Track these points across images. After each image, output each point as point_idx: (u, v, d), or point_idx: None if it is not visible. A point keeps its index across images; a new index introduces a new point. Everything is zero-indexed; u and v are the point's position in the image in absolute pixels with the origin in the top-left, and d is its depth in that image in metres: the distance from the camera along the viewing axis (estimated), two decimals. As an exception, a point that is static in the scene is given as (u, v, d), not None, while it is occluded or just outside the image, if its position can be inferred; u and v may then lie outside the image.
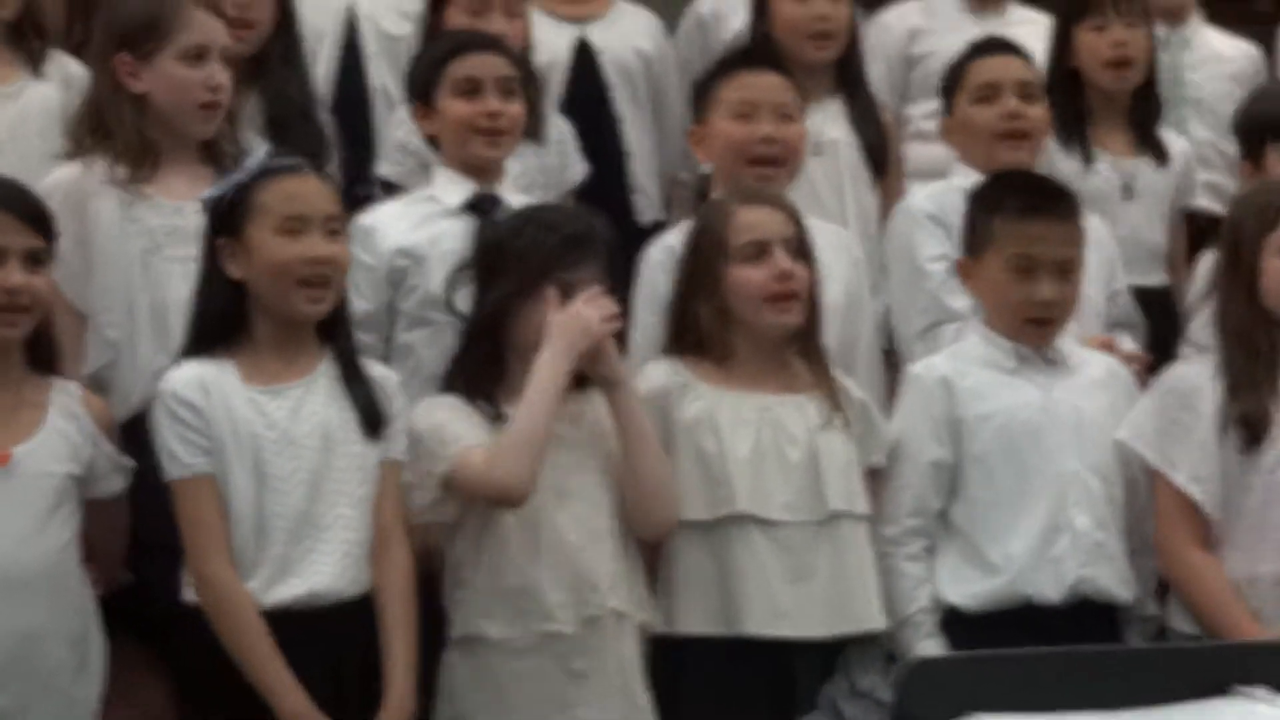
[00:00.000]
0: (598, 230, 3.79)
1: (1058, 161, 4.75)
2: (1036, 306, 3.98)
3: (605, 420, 3.71)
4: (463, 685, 3.63)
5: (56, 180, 3.90)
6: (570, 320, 3.61)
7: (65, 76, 4.32)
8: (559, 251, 3.68)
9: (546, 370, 3.58)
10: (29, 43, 4.32)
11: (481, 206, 4.03)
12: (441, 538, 3.66)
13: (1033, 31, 5.05)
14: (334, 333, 3.64)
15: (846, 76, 4.80)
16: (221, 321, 3.58)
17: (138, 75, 3.91)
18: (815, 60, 4.71)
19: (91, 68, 4.08)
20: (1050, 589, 3.88)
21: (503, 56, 4.15)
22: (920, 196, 4.55)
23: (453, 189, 4.08)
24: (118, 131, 3.91)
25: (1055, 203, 4.09)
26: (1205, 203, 5.03)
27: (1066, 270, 4.00)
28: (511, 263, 3.69)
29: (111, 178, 3.88)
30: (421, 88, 4.16)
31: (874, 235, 4.63)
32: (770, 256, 3.83)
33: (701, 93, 4.41)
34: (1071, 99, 4.84)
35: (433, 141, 4.19)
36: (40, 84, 4.29)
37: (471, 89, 4.08)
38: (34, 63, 4.30)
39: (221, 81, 3.94)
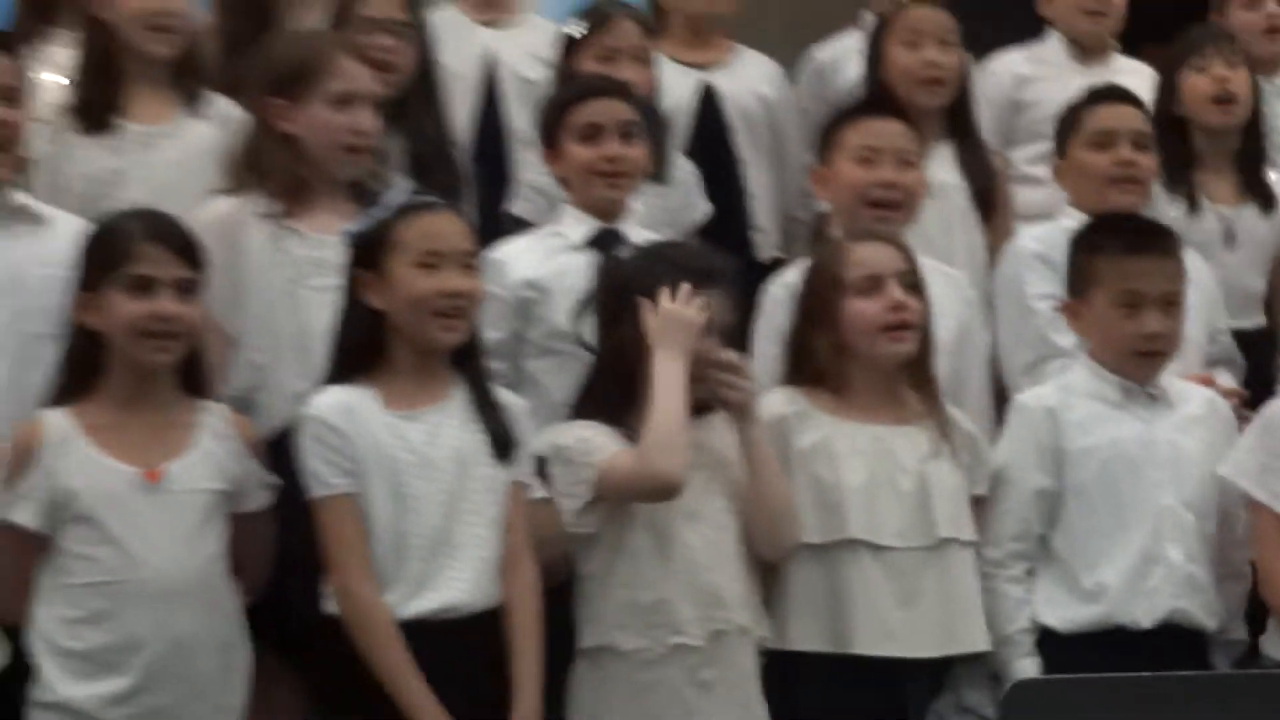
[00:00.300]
0: (721, 265, 3.76)
1: (1162, 207, 4.68)
2: (1145, 340, 3.92)
3: (728, 447, 3.67)
4: (593, 694, 3.61)
5: (212, 213, 3.90)
6: (668, 319, 3.57)
7: (222, 117, 4.33)
8: (663, 266, 3.64)
9: (664, 370, 3.53)
10: (189, 84, 4.34)
11: (604, 242, 4.03)
12: (575, 553, 3.63)
13: (1136, 82, 5.00)
14: (466, 360, 3.63)
15: (957, 122, 4.77)
16: (362, 349, 3.58)
17: (289, 118, 3.92)
18: (926, 105, 4.68)
19: (247, 109, 4.10)
20: (1143, 617, 3.84)
21: (623, 101, 4.13)
22: (1028, 237, 4.50)
23: (578, 225, 4.08)
24: (270, 170, 3.92)
25: (1157, 239, 4.05)
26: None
27: (1171, 304, 3.95)
28: (640, 299, 3.64)
29: (263, 212, 3.89)
30: (548, 132, 4.16)
31: (982, 274, 4.58)
32: (884, 289, 3.80)
33: (826, 136, 4.39)
34: (1177, 146, 4.78)
35: (563, 181, 4.18)
36: (199, 123, 4.30)
37: (593, 134, 4.06)
38: (193, 103, 4.32)
39: (367, 126, 3.94)
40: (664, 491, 3.52)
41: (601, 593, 3.58)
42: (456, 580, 3.48)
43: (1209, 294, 4.46)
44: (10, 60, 3.89)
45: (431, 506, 3.49)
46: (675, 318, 3.57)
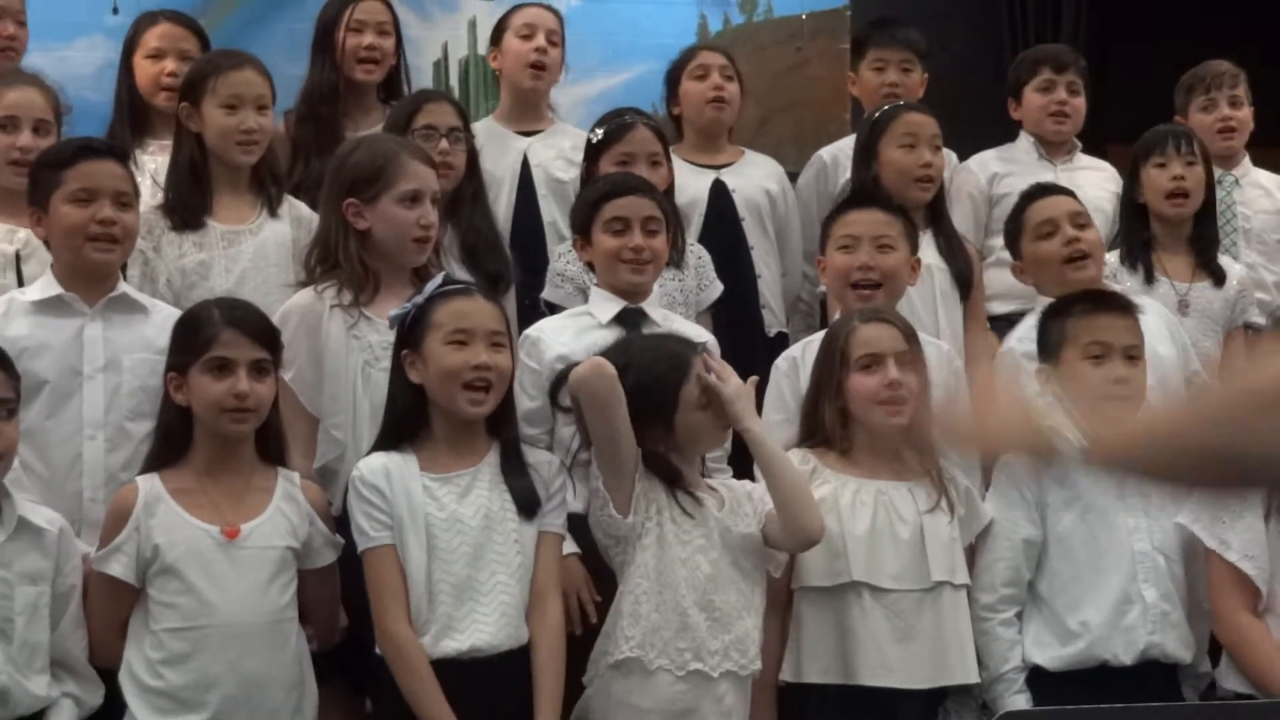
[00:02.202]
0: (689, 342, 3.74)
1: (1124, 280, 4.70)
2: (1114, 385, 3.89)
3: (756, 507, 3.63)
4: (612, 700, 3.53)
5: (294, 304, 3.89)
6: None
7: (295, 216, 4.35)
8: (666, 370, 3.59)
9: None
10: (267, 188, 4.35)
11: (629, 320, 3.98)
12: (616, 569, 3.57)
13: (1095, 177, 5.06)
14: (499, 428, 3.61)
15: (936, 213, 4.77)
16: (406, 420, 3.58)
17: (362, 215, 3.90)
18: (918, 200, 4.68)
19: (322, 209, 4.07)
20: (1124, 653, 3.81)
21: (647, 198, 4.10)
22: (1015, 339, 4.42)
23: (605, 306, 4.02)
24: (344, 263, 3.90)
25: (1115, 300, 4.07)
26: (1252, 318, 4.92)
27: (1133, 356, 3.94)
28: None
29: (339, 302, 3.87)
30: (581, 224, 4.12)
31: (961, 345, 4.58)
32: (883, 367, 3.78)
33: (823, 230, 4.39)
34: (1139, 228, 4.80)
35: (592, 267, 4.15)
36: (276, 222, 4.30)
37: (620, 226, 4.03)
38: (271, 204, 4.32)
39: (432, 220, 3.93)
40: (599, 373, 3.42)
41: (644, 613, 3.50)
42: (482, 624, 3.46)
43: (1180, 342, 4.43)
44: (123, 168, 3.90)
45: (458, 558, 3.47)
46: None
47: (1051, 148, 5.21)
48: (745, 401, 3.60)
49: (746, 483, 3.71)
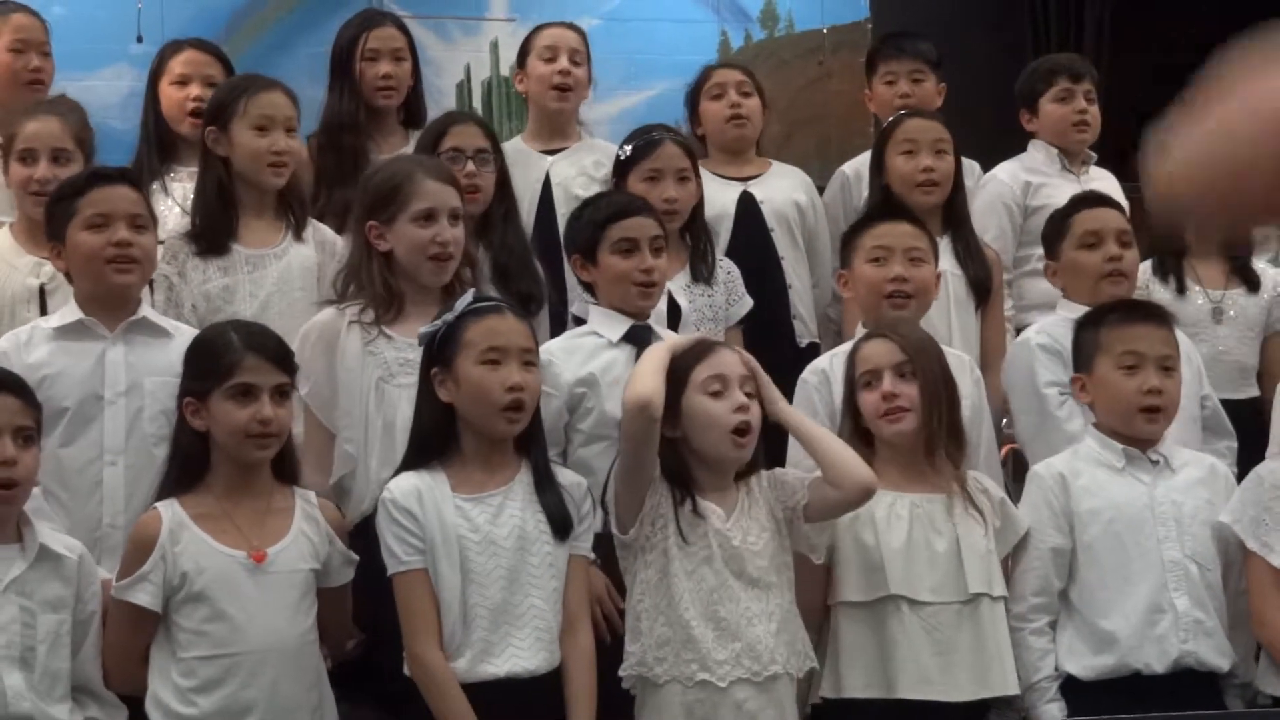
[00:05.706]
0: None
1: (1155, 291, 4.61)
2: (1147, 396, 3.81)
3: (777, 506, 3.53)
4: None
5: (315, 321, 3.82)
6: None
7: (320, 240, 4.26)
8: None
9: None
10: (293, 212, 4.26)
11: (638, 338, 3.87)
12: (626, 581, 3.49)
13: (1106, 187, 4.93)
14: (530, 447, 3.50)
15: (952, 218, 4.67)
16: (435, 439, 3.47)
17: (383, 237, 3.81)
18: (923, 204, 4.57)
19: (351, 233, 3.98)
20: (1156, 662, 3.70)
21: (651, 218, 4.00)
22: (1035, 330, 4.36)
23: (612, 325, 3.90)
24: (367, 284, 3.81)
25: (1151, 311, 4.01)
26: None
27: (1168, 367, 3.86)
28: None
29: (359, 319, 3.77)
30: (585, 245, 3.99)
31: (976, 354, 4.48)
32: (881, 381, 3.70)
33: (846, 243, 4.27)
34: (1171, 240, 4.70)
35: (588, 288, 4.04)
36: (300, 246, 4.22)
37: (629, 247, 3.92)
38: (297, 228, 4.24)
39: (447, 237, 3.81)
40: (643, 410, 3.36)
41: (647, 629, 3.44)
42: (518, 649, 3.36)
43: (1195, 364, 4.31)
44: (137, 193, 3.83)
45: (493, 581, 3.37)
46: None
47: (1070, 158, 5.11)
48: (773, 388, 3.53)
49: (778, 471, 3.60)
